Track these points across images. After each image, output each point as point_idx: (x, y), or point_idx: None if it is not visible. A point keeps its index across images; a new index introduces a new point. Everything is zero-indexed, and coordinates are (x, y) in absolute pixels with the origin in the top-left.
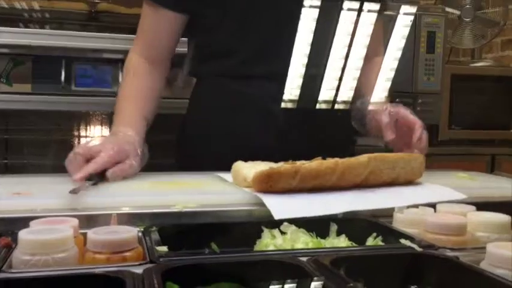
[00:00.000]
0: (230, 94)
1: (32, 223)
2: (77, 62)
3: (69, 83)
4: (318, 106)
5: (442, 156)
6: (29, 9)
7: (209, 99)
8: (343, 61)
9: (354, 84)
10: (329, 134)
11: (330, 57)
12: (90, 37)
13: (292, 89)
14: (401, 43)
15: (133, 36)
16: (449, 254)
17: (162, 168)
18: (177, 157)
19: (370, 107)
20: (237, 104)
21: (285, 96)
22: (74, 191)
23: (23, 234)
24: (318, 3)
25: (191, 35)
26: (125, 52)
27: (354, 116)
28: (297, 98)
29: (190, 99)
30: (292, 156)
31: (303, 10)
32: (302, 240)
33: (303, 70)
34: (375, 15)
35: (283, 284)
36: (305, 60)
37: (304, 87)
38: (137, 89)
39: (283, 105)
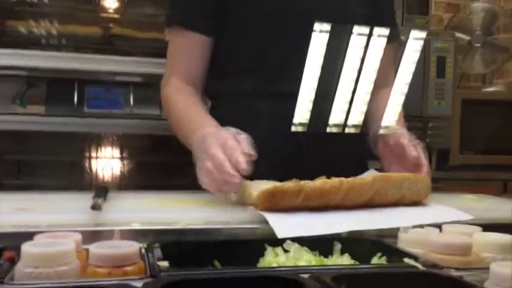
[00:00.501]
0: (249, 113)
1: (35, 237)
2: (90, 84)
3: (82, 105)
4: (328, 129)
5: (453, 181)
6: (46, 34)
7: (227, 118)
8: (353, 85)
9: (364, 108)
10: (341, 157)
11: (340, 81)
12: (103, 60)
13: (302, 112)
14: (411, 68)
15: (145, 59)
16: (454, 273)
17: (181, 188)
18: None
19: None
20: (256, 122)
21: (296, 120)
22: (95, 207)
23: (25, 247)
24: (328, 28)
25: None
26: (137, 75)
27: (372, 136)
28: (307, 121)
29: None
30: (304, 178)
31: (313, 34)
32: (305, 259)
33: (313, 94)
34: (385, 39)
35: None
36: (315, 84)
37: (314, 110)
38: (192, 101)
39: (293, 128)
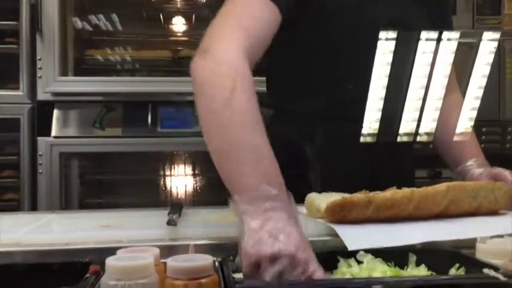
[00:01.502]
0: (318, 131)
1: (118, 252)
2: (162, 105)
3: (155, 126)
4: (399, 139)
5: None
6: (121, 61)
7: (293, 135)
8: (423, 92)
9: (436, 115)
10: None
11: (409, 89)
12: (173, 82)
13: (371, 123)
14: (486, 70)
15: None
16: None
17: None
18: None
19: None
20: (325, 138)
21: (364, 130)
22: (171, 223)
23: (109, 261)
24: (394, 36)
25: (278, 72)
26: None
27: (460, 173)
28: (376, 131)
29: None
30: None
31: (379, 43)
32: (380, 270)
33: (381, 104)
34: (455, 43)
35: None
36: (383, 93)
37: (383, 120)
38: (255, 109)
39: (362, 139)
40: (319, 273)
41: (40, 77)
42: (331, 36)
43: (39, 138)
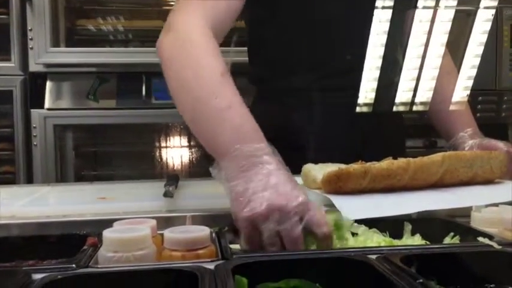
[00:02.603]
0: (313, 103)
1: (115, 224)
2: (156, 76)
3: (149, 97)
4: (395, 109)
5: None
6: (114, 31)
7: (286, 110)
8: (419, 61)
9: (433, 84)
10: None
11: (405, 58)
12: None
13: (367, 93)
14: (483, 38)
15: None
16: None
17: None
18: None
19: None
20: (317, 115)
21: (360, 100)
22: (167, 195)
23: (106, 233)
24: (391, 4)
25: (264, 51)
26: None
27: (453, 145)
28: (372, 101)
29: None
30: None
31: (375, 12)
32: (375, 240)
33: (377, 73)
34: (452, 11)
35: (351, 281)
36: (379, 63)
37: (379, 90)
38: (221, 69)
39: (358, 109)
40: (316, 217)
41: (31, 48)
42: (324, 6)
43: (32, 110)
